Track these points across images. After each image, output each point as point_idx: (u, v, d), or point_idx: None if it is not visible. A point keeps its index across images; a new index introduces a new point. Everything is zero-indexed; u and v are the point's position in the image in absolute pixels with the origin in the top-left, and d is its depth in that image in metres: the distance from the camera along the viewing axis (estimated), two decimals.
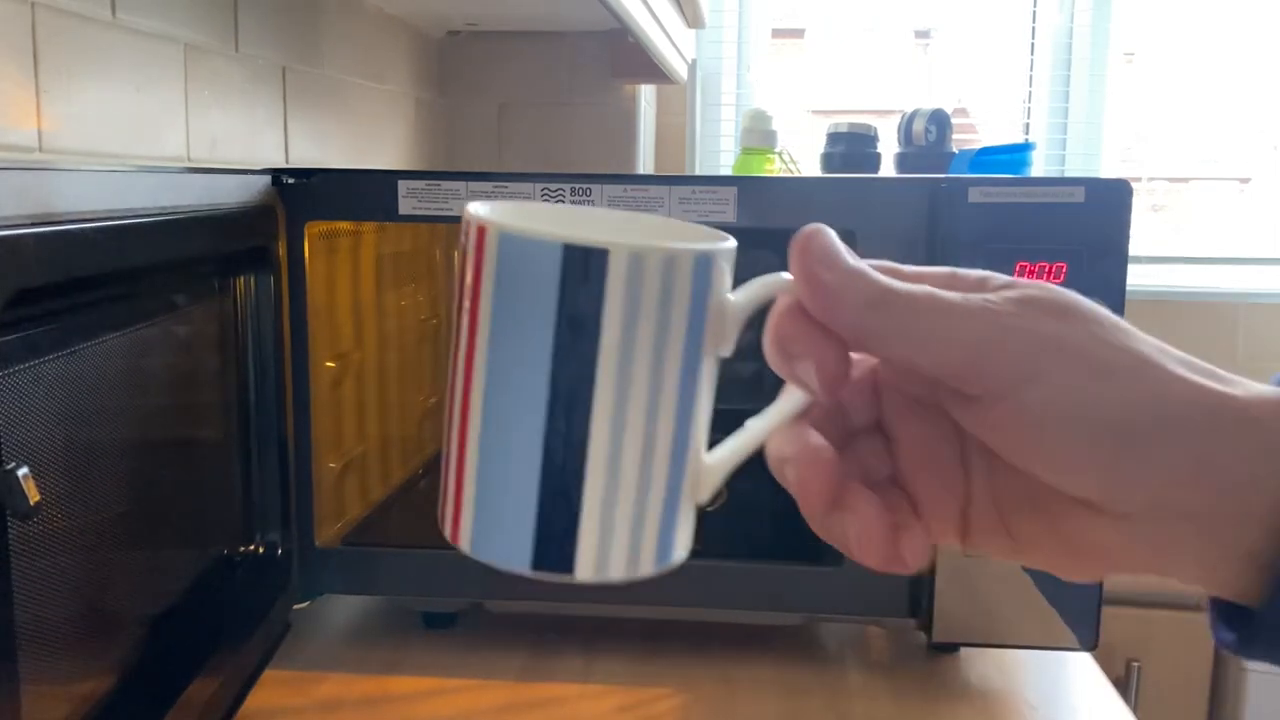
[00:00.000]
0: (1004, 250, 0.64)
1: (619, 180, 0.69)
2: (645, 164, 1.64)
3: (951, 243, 0.65)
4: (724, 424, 0.35)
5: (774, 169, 1.57)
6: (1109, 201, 0.64)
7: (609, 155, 1.54)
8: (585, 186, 0.70)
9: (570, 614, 0.79)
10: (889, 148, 1.53)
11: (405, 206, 0.71)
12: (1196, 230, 1.97)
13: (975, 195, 0.64)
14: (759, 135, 1.53)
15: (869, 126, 1.55)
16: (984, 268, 0.65)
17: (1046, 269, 0.64)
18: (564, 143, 1.54)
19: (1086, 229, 0.64)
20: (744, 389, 0.43)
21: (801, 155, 1.56)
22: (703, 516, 0.35)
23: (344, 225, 0.79)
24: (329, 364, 0.77)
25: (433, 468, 0.99)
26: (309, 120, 1.04)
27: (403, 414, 0.95)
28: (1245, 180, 1.96)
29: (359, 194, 0.71)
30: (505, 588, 0.74)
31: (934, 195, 0.66)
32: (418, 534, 0.82)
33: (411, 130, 1.40)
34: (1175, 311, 1.67)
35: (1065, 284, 0.67)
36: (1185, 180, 2.00)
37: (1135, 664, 1.01)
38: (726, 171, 1.82)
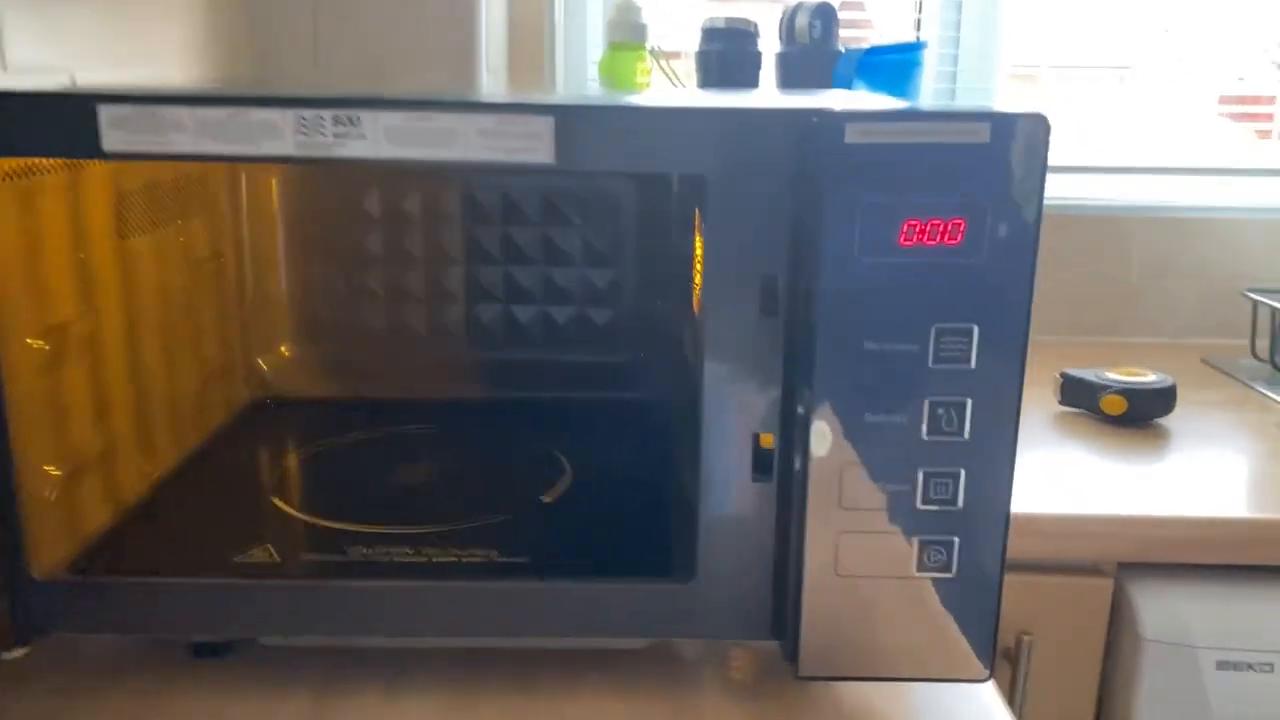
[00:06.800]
0: (887, 205, 0.50)
1: (396, 107, 0.52)
2: (495, 64, 1.44)
3: (824, 195, 0.51)
4: None
5: (645, 69, 1.41)
6: (1021, 141, 0.50)
7: (449, 53, 1.33)
8: (353, 114, 0.53)
9: (366, 646, 0.65)
10: (770, 46, 1.39)
11: (111, 141, 0.53)
12: (1082, 123, 1.88)
13: (853, 133, 0.49)
14: (627, 28, 1.37)
15: (748, 22, 1.40)
16: (864, 225, 0.51)
17: (940, 226, 0.51)
18: (394, 41, 1.32)
19: (991, 176, 0.50)
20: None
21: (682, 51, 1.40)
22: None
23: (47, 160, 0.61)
24: (34, 342, 0.60)
25: (207, 451, 0.82)
26: (37, 5, 0.82)
27: (171, 384, 0.78)
28: (1125, 69, 1.87)
29: (45, 123, 0.53)
30: (283, 621, 0.60)
31: (804, 132, 0.52)
32: (175, 551, 0.66)
33: (200, 28, 1.17)
34: (1068, 224, 1.57)
35: (963, 244, 0.54)
36: (1074, 68, 1.90)
37: (1026, 637, 0.93)
38: (593, 71, 1.64)
